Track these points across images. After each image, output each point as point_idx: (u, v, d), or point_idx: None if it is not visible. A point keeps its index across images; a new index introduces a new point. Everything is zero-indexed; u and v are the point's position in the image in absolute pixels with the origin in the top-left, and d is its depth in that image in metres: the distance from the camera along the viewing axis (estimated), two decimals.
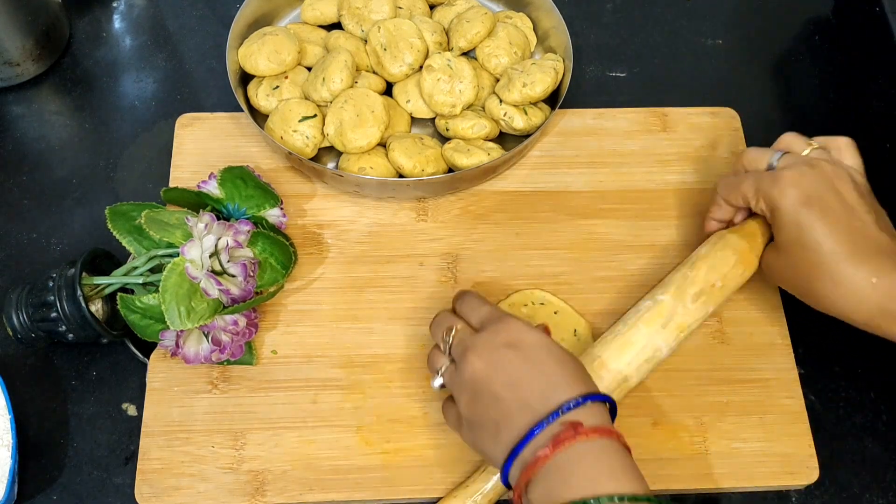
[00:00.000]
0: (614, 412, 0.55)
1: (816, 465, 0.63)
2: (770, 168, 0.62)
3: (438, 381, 0.58)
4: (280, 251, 0.66)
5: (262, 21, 0.78)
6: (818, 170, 0.59)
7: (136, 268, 0.63)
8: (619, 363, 0.60)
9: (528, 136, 0.72)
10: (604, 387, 0.60)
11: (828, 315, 0.59)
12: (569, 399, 0.51)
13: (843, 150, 0.63)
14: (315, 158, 0.73)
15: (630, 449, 0.52)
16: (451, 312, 0.61)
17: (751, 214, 0.65)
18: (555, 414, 0.51)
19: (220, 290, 0.59)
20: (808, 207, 0.58)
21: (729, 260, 0.63)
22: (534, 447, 0.50)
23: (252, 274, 0.62)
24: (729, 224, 0.66)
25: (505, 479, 0.53)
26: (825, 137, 0.64)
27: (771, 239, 0.63)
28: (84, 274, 0.63)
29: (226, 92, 0.74)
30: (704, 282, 0.62)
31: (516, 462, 0.51)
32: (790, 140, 0.64)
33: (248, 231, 0.63)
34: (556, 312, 0.68)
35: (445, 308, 0.62)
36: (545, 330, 0.58)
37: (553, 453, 0.49)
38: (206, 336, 0.62)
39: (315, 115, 0.71)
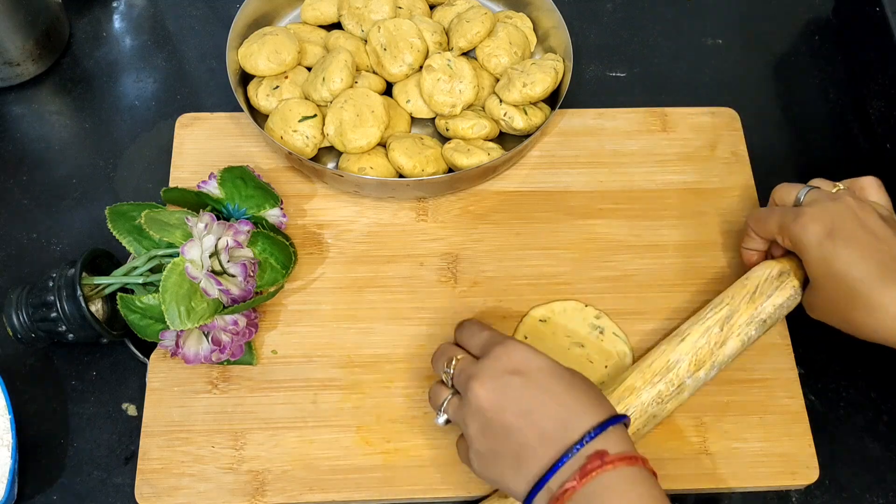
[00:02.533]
0: (628, 424, 0.54)
1: (816, 465, 0.63)
2: (797, 204, 0.62)
3: (443, 418, 0.57)
4: (280, 251, 0.66)
5: (262, 21, 0.78)
6: (840, 203, 0.59)
7: (136, 268, 0.63)
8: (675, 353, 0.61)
9: (528, 136, 0.72)
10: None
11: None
12: (591, 427, 0.51)
13: (868, 188, 0.63)
14: (315, 158, 0.73)
15: (656, 473, 0.51)
16: (451, 344, 0.60)
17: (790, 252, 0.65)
18: (579, 444, 0.50)
19: (220, 290, 0.59)
20: (831, 239, 0.58)
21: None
22: (560, 479, 0.50)
23: (252, 274, 0.62)
24: (767, 255, 0.66)
25: None
26: (851, 179, 0.64)
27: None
28: (84, 274, 0.63)
29: (226, 92, 0.74)
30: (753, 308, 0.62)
31: (541, 494, 0.50)
32: (819, 181, 0.64)
33: (248, 231, 0.63)
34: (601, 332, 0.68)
35: (447, 339, 0.61)
36: None
37: (581, 485, 0.49)
38: (206, 336, 0.62)
39: (315, 115, 0.71)
